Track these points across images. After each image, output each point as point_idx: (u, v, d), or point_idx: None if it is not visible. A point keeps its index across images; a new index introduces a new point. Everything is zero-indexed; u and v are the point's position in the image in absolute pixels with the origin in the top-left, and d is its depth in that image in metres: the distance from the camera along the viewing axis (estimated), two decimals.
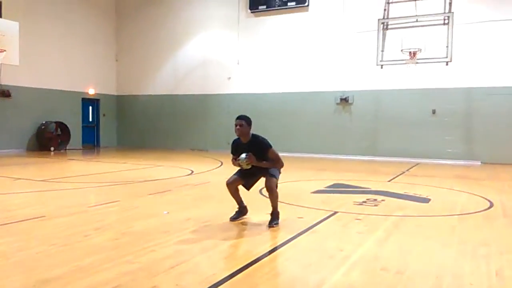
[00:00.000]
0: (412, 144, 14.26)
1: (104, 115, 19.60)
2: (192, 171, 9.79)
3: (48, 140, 16.34)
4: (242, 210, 5.21)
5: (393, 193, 7.28)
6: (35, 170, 10.20)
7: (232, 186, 5.10)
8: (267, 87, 16.70)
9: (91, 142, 19.25)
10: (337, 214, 5.48)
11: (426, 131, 14.12)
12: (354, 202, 6.36)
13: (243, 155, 4.75)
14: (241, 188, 5.14)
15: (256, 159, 4.75)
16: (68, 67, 17.82)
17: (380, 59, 11.70)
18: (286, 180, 8.46)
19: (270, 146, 4.86)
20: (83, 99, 18.56)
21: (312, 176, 9.53)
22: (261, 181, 5.06)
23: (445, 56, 10.96)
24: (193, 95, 18.32)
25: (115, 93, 20.12)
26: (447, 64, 11.45)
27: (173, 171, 10.27)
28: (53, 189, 7.26)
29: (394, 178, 9.36)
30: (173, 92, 18.82)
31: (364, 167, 12.04)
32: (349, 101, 15.22)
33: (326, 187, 7.82)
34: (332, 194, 7.09)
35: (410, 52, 11.18)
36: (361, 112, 15.08)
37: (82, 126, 18.60)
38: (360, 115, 15.11)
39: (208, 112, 17.99)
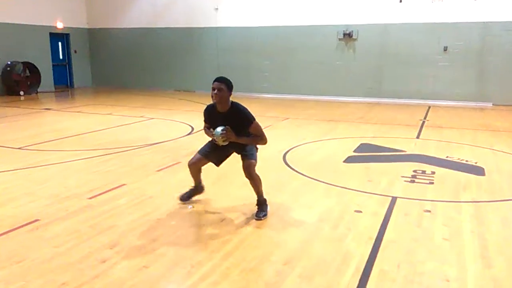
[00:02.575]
0: (420, 85, 13.25)
1: (75, 51, 17.64)
2: (193, 128, 8.55)
3: (16, 83, 14.56)
4: (198, 189, 4.44)
5: (435, 158, 6.38)
6: (7, 129, 8.75)
7: (194, 167, 4.22)
8: (260, 19, 15.00)
9: (64, 82, 17.48)
10: (397, 202, 4.53)
11: (436, 70, 13.08)
12: (403, 177, 5.41)
13: (219, 129, 3.84)
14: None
15: (235, 134, 3.83)
16: None
17: None
18: (302, 141, 7.48)
19: (254, 119, 3.95)
20: (51, 34, 16.47)
21: (328, 132, 8.50)
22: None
23: None
24: (176, 28, 16.46)
25: (86, 26, 17.97)
26: None
27: (169, 127, 9.03)
28: (36, 163, 5.99)
29: (420, 133, 8.43)
30: (153, 25, 16.87)
31: (376, 113, 11.04)
32: (353, 36, 13.83)
33: (355, 151, 6.82)
34: (369, 164, 6.11)
35: None
36: (366, 49, 13.78)
37: (52, 65, 16.68)
38: (365, 52, 13.83)
39: (193, 48, 16.29)
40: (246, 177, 4.02)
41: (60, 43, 17.16)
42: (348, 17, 13.80)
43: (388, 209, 4.33)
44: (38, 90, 15.28)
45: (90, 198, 4.65)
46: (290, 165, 5.97)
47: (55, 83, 16.77)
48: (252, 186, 4.10)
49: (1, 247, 3.48)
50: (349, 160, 6.28)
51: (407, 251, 3.44)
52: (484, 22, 12.41)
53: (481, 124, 9.51)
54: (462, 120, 10.11)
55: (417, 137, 7.99)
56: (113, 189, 4.95)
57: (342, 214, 4.18)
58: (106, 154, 6.55)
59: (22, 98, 14.20)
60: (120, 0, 17.28)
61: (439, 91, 13.06)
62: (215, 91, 3.82)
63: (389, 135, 8.21)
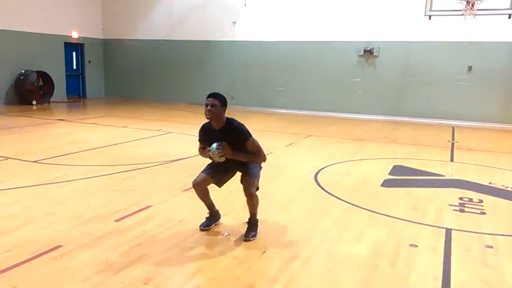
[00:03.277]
0: (443, 104, 12.86)
1: (89, 62, 17.43)
2: None
3: (29, 92, 14.31)
4: (214, 215, 4.16)
5: (478, 184, 5.96)
6: (21, 140, 8.43)
7: (200, 187, 3.98)
8: (278, 34, 14.76)
9: (76, 93, 17.24)
10: (453, 235, 4.11)
11: (460, 90, 12.70)
12: (451, 206, 5.00)
13: (215, 145, 3.69)
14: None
15: (231, 150, 3.68)
16: (48, 6, 15.37)
17: (430, 7, 9.91)
18: (331, 161, 7.09)
19: (250, 135, 3.79)
20: (65, 43, 16.28)
21: (356, 152, 8.11)
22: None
23: (509, 7, 9.28)
24: (192, 41, 16.24)
25: (101, 37, 17.81)
26: (510, 17, 9.80)
27: (188, 142, 8.65)
28: (54, 179, 5.63)
29: (452, 155, 8.02)
30: (168, 37, 16.67)
31: (401, 133, 10.65)
32: (374, 53, 13.53)
33: (391, 174, 6.42)
34: (409, 189, 5.70)
35: (468, 2, 9.43)
36: (387, 67, 13.46)
37: (66, 75, 16.46)
38: (385, 70, 13.50)
39: (209, 61, 16.04)
40: (246, 195, 3.83)
41: (74, 53, 16.97)
42: (369, 33, 13.52)
43: (445, 243, 3.91)
44: (51, 100, 15.03)
45: (117, 220, 4.27)
46: (325, 188, 5.57)
47: (67, 93, 16.53)
48: (248, 205, 3.90)
49: (23, 279, 3.10)
50: (387, 184, 5.88)
51: None
52: (510, 42, 12.06)
53: None
54: (493, 143, 9.71)
55: (451, 160, 7.58)
56: (139, 210, 4.57)
57: (396, 249, 3.77)
58: (128, 171, 6.18)
59: (34, 107, 13.94)
60: (136, 11, 17.13)
61: (462, 112, 12.66)
62: (208, 107, 3.68)
63: (420, 157, 7.81)
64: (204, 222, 4.13)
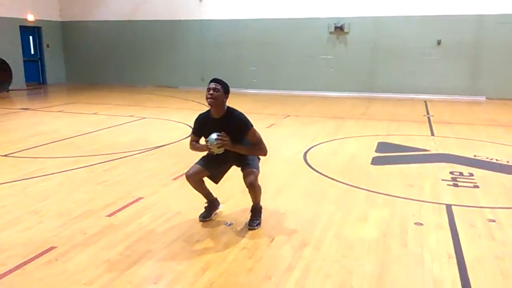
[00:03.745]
0: (414, 79, 13.02)
1: (48, 46, 16.52)
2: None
3: None
4: (213, 204, 3.98)
5: (464, 158, 6.03)
6: None
7: (193, 179, 3.76)
8: (247, 12, 14.41)
9: (36, 79, 16.35)
10: (454, 211, 4.12)
11: (430, 64, 12.88)
12: (444, 181, 5.03)
13: (214, 135, 3.48)
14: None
15: (231, 141, 3.50)
16: None
17: None
18: (316, 141, 7.01)
19: (251, 125, 3.61)
20: (21, 27, 15.31)
21: (337, 130, 8.07)
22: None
23: None
24: (157, 21, 15.64)
25: (59, 19, 16.86)
26: None
27: (166, 127, 8.35)
28: (31, 174, 5.25)
29: (432, 129, 8.12)
30: (131, 18, 15.98)
31: (377, 109, 10.71)
32: (345, 30, 13.46)
33: (377, 151, 6.41)
34: (399, 166, 5.70)
35: None
36: (358, 43, 13.44)
37: (23, 61, 15.53)
38: (356, 46, 13.48)
39: (176, 42, 15.53)
40: (247, 186, 3.63)
41: (31, 37, 16.00)
42: (339, 10, 13.41)
43: (449, 220, 3.91)
44: (9, 88, 14.16)
45: (109, 215, 4.01)
46: (317, 169, 5.48)
47: (26, 80, 15.62)
48: (251, 195, 3.72)
49: (19, 287, 2.84)
50: (377, 161, 5.86)
51: (499, 272, 3.01)
52: (478, 15, 12.28)
53: (488, 119, 9.32)
54: (467, 115, 9.91)
55: (432, 135, 7.66)
56: (130, 203, 4.32)
57: (403, 228, 3.73)
58: (108, 161, 5.86)
59: None
60: None
61: (432, 85, 12.88)
62: (211, 91, 3.48)
63: (401, 132, 7.86)
64: (203, 212, 3.95)
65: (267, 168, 5.46)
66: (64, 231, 3.67)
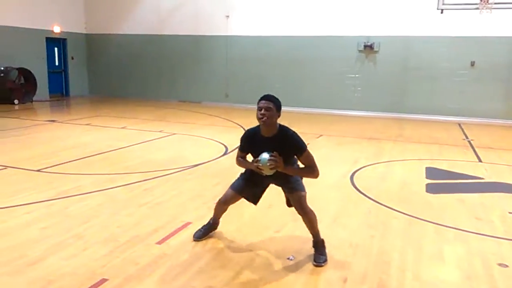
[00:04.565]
0: (445, 101, 12.65)
1: (72, 58, 16.49)
2: (226, 148, 7.58)
3: (11, 91, 13.31)
4: (214, 226, 3.84)
5: None
6: (13, 145, 7.65)
7: (226, 206, 3.66)
8: (274, 28, 14.23)
9: (59, 91, 16.29)
10: None
11: (462, 85, 12.51)
12: (511, 213, 4.65)
13: (266, 155, 3.19)
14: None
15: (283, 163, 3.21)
16: None
17: (442, 1, 9.57)
18: (358, 164, 6.67)
19: (306, 147, 3.31)
20: (47, 38, 15.30)
21: (378, 153, 7.72)
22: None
23: None
24: (182, 36, 15.53)
25: (84, 31, 16.87)
26: None
27: (198, 145, 8.07)
28: (68, 192, 4.97)
29: (477, 155, 7.72)
30: (157, 32, 15.91)
31: (411, 131, 10.33)
32: (374, 48, 13.18)
33: (429, 178, 6.04)
34: (458, 195, 5.31)
35: None
36: (388, 62, 13.14)
37: (48, 72, 15.48)
38: (386, 65, 13.18)
39: (201, 57, 15.38)
40: (299, 213, 3.40)
41: (56, 49, 15.99)
42: (369, 28, 13.16)
43: None
44: (33, 99, 14.07)
45: (159, 243, 3.70)
46: (369, 196, 5.13)
47: (50, 91, 15.55)
48: (306, 223, 3.44)
49: None
50: (432, 189, 5.48)
51: None
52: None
53: None
54: (509, 140, 9.49)
55: (480, 161, 7.27)
56: (180, 229, 4.00)
57: (488, 270, 3.35)
58: (146, 180, 5.57)
59: (16, 107, 13.00)
60: (121, 4, 16.28)
61: (465, 108, 12.48)
62: (262, 111, 3.20)
63: (445, 157, 7.48)
64: (199, 231, 3.78)
65: (314, 192, 5.10)
66: (113, 260, 3.36)
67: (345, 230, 4.10)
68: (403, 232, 4.08)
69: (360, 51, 13.38)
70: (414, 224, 4.28)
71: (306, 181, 5.27)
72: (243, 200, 3.69)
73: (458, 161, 7.15)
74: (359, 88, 13.56)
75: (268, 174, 3.28)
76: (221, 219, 3.87)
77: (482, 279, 3.21)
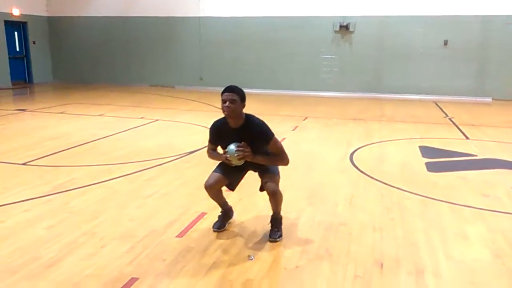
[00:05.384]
0: (420, 80, 12.88)
1: (34, 42, 15.58)
2: None
3: None
4: (227, 213, 3.74)
5: None
6: None
7: (214, 188, 3.49)
8: (249, 9, 13.97)
9: (21, 77, 15.41)
10: None
11: (436, 64, 12.75)
12: None
13: (233, 147, 3.21)
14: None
15: (252, 152, 3.22)
16: None
17: None
18: (353, 146, 6.65)
19: (273, 134, 3.32)
20: (6, 22, 14.36)
21: (368, 134, 7.75)
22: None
23: None
24: (152, 17, 15.00)
25: (46, 14, 15.94)
26: None
27: (186, 131, 7.84)
28: (64, 186, 4.67)
29: (463, 132, 7.90)
30: (124, 14, 15.27)
31: (393, 111, 10.46)
32: (350, 29, 13.19)
33: (425, 157, 6.10)
34: (457, 172, 5.40)
35: None
36: (364, 42, 13.21)
37: (9, 58, 14.57)
38: (362, 46, 13.24)
39: (172, 39, 14.92)
40: (269, 193, 3.37)
41: (16, 33, 15.04)
42: (345, 8, 13.13)
43: None
44: None
45: (179, 236, 3.52)
46: (376, 177, 5.11)
47: (11, 79, 14.66)
48: (272, 203, 3.44)
49: None
50: (432, 168, 5.54)
51: None
52: (485, 16, 12.23)
53: (508, 121, 9.20)
54: (486, 117, 9.79)
55: (467, 138, 7.44)
56: (196, 220, 3.83)
57: None
58: (144, 170, 5.33)
59: None
60: None
61: (439, 86, 12.76)
62: (227, 103, 3.16)
63: (433, 135, 7.60)
64: (217, 222, 3.66)
65: (321, 177, 5.12)
66: (137, 257, 3.17)
67: (364, 213, 4.05)
68: (420, 213, 4.08)
69: (336, 31, 13.35)
70: (429, 205, 4.30)
71: (308, 165, 5.22)
72: (256, 190, 3.57)
73: (447, 139, 7.29)
74: (335, 69, 13.58)
75: (237, 164, 3.27)
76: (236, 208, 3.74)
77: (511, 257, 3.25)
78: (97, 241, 3.42)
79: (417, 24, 12.68)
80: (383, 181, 4.99)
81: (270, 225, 3.53)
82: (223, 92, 3.20)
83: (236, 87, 3.24)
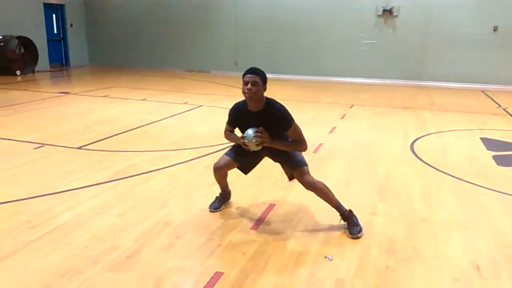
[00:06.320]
0: (467, 68, 12.37)
1: (71, 25, 15.62)
2: None
3: (11, 61, 12.57)
4: (226, 195, 3.78)
5: None
6: (36, 120, 7.14)
7: (221, 171, 3.51)
8: None
9: (59, 60, 15.51)
10: None
11: (484, 52, 12.20)
12: None
13: (251, 131, 3.12)
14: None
15: (270, 137, 3.12)
16: None
17: None
18: (410, 136, 6.37)
19: (293, 120, 3.20)
20: (44, 5, 14.40)
21: (423, 123, 7.43)
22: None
23: None
24: (188, 0, 14.76)
25: None
26: None
27: None
28: (126, 171, 4.59)
29: None
30: None
31: (442, 99, 10.04)
32: (394, 13, 12.72)
33: (490, 150, 5.79)
34: None
35: None
36: (408, 27, 12.73)
37: (47, 40, 14.67)
38: (406, 31, 12.77)
39: (209, 23, 14.72)
40: (307, 188, 3.29)
41: (54, 16, 15.11)
42: None
43: None
44: (35, 69, 13.35)
45: (253, 228, 3.39)
46: (447, 172, 4.84)
47: (50, 61, 14.78)
48: (321, 197, 3.33)
49: None
50: (502, 162, 5.24)
51: None
52: None
53: None
54: None
55: None
56: (267, 212, 3.69)
57: None
58: (201, 157, 5.21)
59: (18, 78, 12.30)
60: None
61: (487, 74, 12.23)
62: (248, 86, 3.05)
63: (491, 126, 7.25)
64: (215, 202, 3.70)
65: (386, 169, 4.89)
66: (216, 250, 3.04)
67: (442, 210, 3.82)
68: (504, 210, 3.83)
69: (379, 15, 12.91)
70: (510, 202, 4.04)
71: (369, 157, 5.00)
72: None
73: (508, 131, 6.93)
74: (377, 55, 13.15)
75: (254, 150, 3.19)
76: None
77: None
78: (172, 231, 3.32)
79: (464, 9, 12.12)
80: (453, 174, 4.74)
81: (344, 222, 3.36)
82: (244, 74, 3.10)
83: (259, 69, 3.14)
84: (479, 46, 12.19)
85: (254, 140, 3.10)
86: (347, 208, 3.35)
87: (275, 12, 13.77)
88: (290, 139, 3.26)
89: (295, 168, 3.31)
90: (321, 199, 3.35)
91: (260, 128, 3.09)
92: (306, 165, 3.33)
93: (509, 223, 3.57)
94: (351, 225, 3.31)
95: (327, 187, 3.30)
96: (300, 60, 13.87)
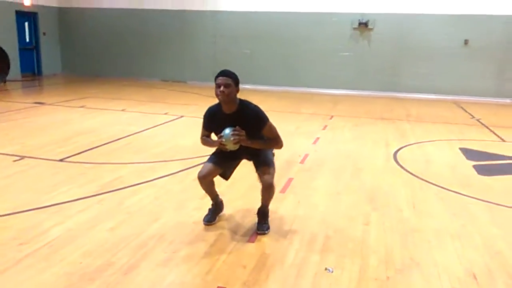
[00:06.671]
0: (440, 79, 12.75)
1: (44, 33, 15.24)
2: None
3: None
4: (218, 207, 3.75)
5: None
6: (14, 131, 6.89)
7: (207, 179, 3.48)
8: (265, 3, 13.73)
9: (30, 70, 15.07)
10: None
11: (456, 64, 12.62)
12: None
13: (228, 131, 3.18)
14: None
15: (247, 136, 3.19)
16: None
17: None
18: (390, 146, 6.51)
19: (268, 119, 3.32)
20: (17, 12, 14.02)
21: (401, 134, 7.61)
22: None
23: None
24: (166, 11, 14.72)
25: (57, 5, 15.62)
26: None
27: None
28: (112, 184, 4.48)
29: (497, 135, 7.77)
30: (137, 6, 14.97)
31: (418, 111, 10.27)
32: (369, 26, 13.01)
33: (470, 159, 5.96)
34: (509, 176, 5.27)
35: None
36: (383, 40, 13.03)
37: (19, 49, 14.26)
38: (381, 43, 13.06)
39: (186, 33, 14.66)
40: (264, 186, 3.37)
41: (26, 23, 14.72)
42: (364, 5, 12.95)
43: None
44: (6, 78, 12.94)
45: (251, 241, 3.36)
46: (432, 181, 4.94)
47: (21, 70, 14.36)
48: (264, 196, 3.45)
49: None
50: (482, 171, 5.40)
51: None
52: (507, 16, 12.10)
53: None
54: (510, 119, 9.69)
55: (503, 140, 7.31)
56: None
57: None
58: (189, 168, 5.14)
59: None
60: None
61: (458, 86, 12.64)
62: (221, 88, 3.14)
63: (468, 137, 7.47)
64: (208, 215, 3.64)
65: (373, 179, 4.96)
66: (215, 263, 3.00)
67: (432, 219, 3.90)
68: (491, 219, 3.94)
69: (354, 28, 13.18)
70: (496, 211, 4.16)
71: (355, 167, 5.06)
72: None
73: (485, 141, 7.16)
74: (353, 67, 13.40)
75: (232, 149, 3.22)
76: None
77: None
78: (167, 245, 3.25)
79: (437, 22, 12.53)
80: (438, 184, 4.85)
81: (257, 216, 3.52)
82: (217, 77, 3.17)
83: (230, 71, 3.21)
84: (451, 59, 12.60)
85: (232, 139, 3.13)
86: (268, 208, 3.54)
87: (253, 24, 13.86)
88: (266, 139, 3.33)
89: (265, 165, 3.37)
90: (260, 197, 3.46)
91: (237, 126, 3.13)
92: (274, 167, 3.43)
93: (498, 231, 3.67)
94: (261, 222, 3.49)
95: (274, 192, 3.45)
96: (278, 71, 13.98)
